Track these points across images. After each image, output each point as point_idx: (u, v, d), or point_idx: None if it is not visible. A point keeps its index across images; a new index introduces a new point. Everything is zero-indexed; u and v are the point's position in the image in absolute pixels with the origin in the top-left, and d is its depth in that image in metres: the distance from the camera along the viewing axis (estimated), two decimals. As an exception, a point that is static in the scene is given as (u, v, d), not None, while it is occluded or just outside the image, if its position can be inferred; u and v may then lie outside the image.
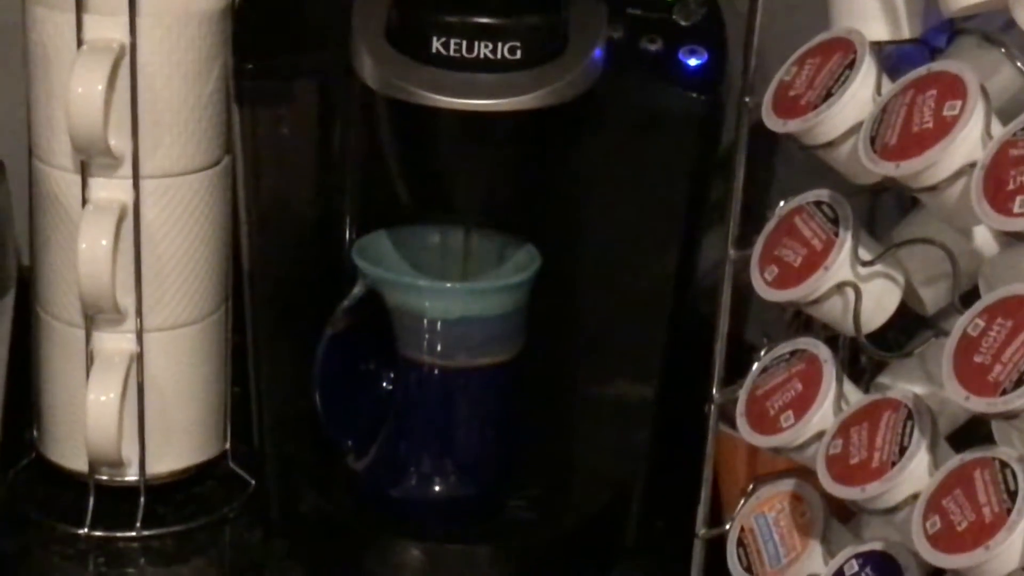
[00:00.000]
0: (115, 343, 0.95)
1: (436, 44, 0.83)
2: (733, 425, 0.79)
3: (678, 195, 0.92)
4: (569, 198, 0.93)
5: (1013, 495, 0.65)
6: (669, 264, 0.93)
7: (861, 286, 0.74)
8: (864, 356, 0.81)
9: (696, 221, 0.93)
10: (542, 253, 0.93)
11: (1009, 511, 0.65)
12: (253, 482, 1.01)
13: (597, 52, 0.87)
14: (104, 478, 0.97)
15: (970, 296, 0.71)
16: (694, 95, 0.89)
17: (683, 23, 0.83)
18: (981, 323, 0.67)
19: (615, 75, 0.89)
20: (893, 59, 0.76)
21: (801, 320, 0.86)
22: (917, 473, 0.70)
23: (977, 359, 0.66)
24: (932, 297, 0.77)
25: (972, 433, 0.74)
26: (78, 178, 0.93)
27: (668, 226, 0.92)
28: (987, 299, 0.67)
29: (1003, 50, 0.73)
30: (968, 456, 0.68)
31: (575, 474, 0.98)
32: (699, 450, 0.85)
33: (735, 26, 0.87)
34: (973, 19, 0.74)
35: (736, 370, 0.82)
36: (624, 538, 0.97)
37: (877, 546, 0.74)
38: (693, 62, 0.90)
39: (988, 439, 0.71)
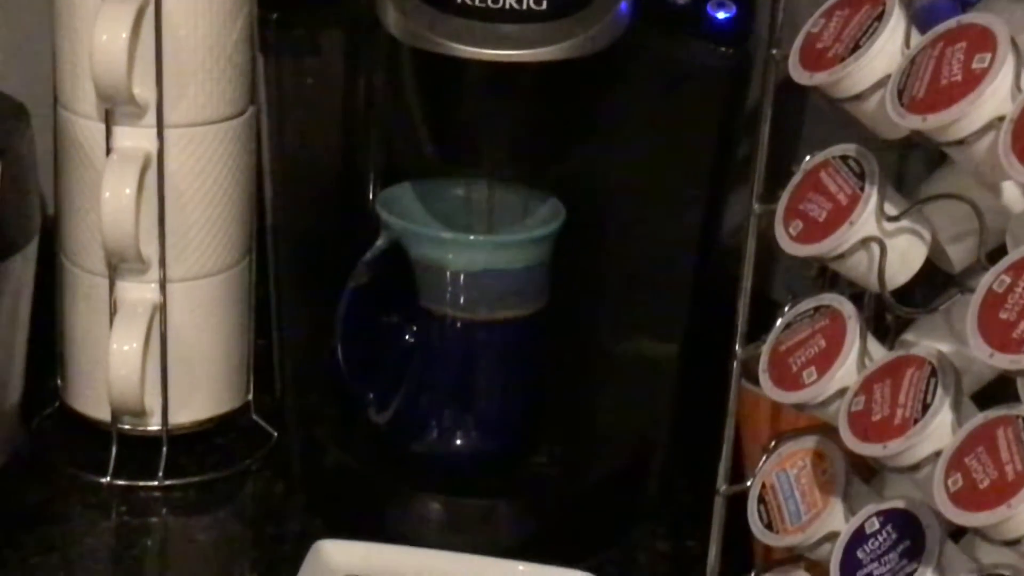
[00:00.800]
0: (138, 292, 0.95)
1: (462, -6, 0.83)
2: (756, 382, 0.79)
3: (705, 150, 0.91)
4: (594, 152, 0.92)
5: (1036, 453, 0.65)
6: (695, 220, 0.92)
7: (886, 242, 0.73)
8: (889, 314, 0.80)
9: (722, 177, 0.93)
10: (567, 208, 0.93)
11: (1032, 469, 0.64)
12: (275, 434, 1.01)
13: (623, 5, 0.86)
14: (127, 427, 0.98)
15: (998, 253, 0.70)
16: (722, 49, 0.89)
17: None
18: (1007, 279, 0.66)
19: (642, 29, 0.88)
20: (924, 13, 0.75)
21: (827, 277, 0.85)
22: (940, 431, 0.69)
23: (1002, 316, 0.65)
24: (959, 254, 0.76)
25: (1000, 392, 0.73)
26: (102, 126, 0.93)
27: (694, 182, 0.92)
28: (1013, 256, 0.67)
29: (1035, 4, 0.72)
30: (991, 414, 0.68)
31: (598, 431, 0.98)
32: (723, 407, 0.84)
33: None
34: (1006, -28, 0.73)
35: (762, 327, 0.81)
36: (647, 495, 0.97)
37: (898, 504, 0.73)
38: (721, 15, 0.89)
39: (1015, 398, 0.70)
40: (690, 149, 0.91)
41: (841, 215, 0.73)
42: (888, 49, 0.71)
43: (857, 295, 0.79)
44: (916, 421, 0.70)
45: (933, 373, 0.71)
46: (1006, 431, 0.66)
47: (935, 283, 0.78)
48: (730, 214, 0.96)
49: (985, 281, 0.67)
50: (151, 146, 0.93)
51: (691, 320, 0.94)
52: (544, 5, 0.83)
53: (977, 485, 0.66)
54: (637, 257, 0.94)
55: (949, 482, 0.67)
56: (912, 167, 0.85)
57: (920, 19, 0.74)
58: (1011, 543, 0.66)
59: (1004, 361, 0.64)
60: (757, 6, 0.89)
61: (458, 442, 0.94)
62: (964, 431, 0.68)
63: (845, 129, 0.77)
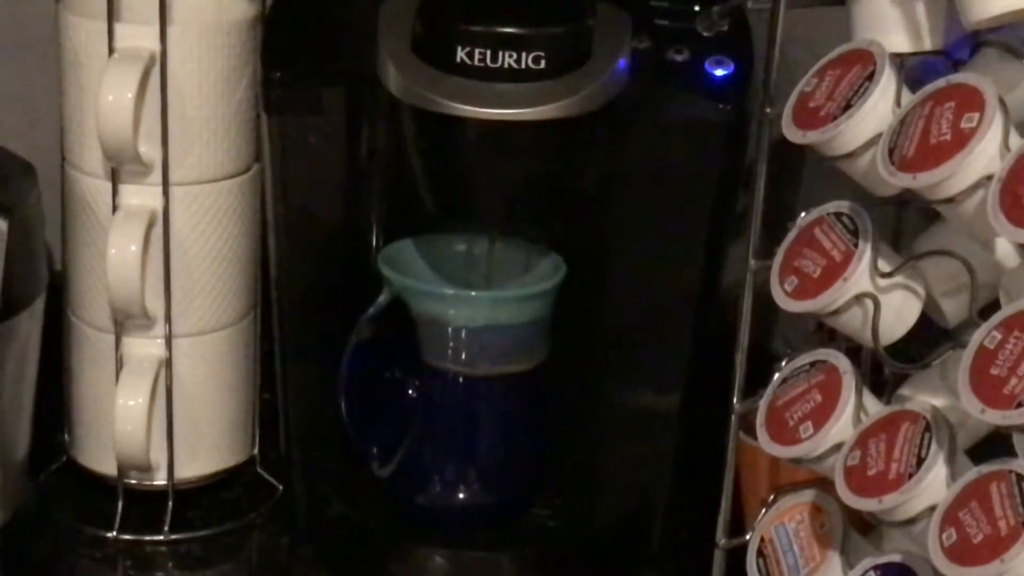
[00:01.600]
0: (144, 348, 0.96)
1: (460, 54, 0.84)
2: (755, 435, 0.80)
3: (703, 205, 0.92)
4: (594, 207, 0.93)
5: (1029, 508, 0.65)
6: (694, 274, 0.93)
7: (880, 297, 0.74)
8: (887, 369, 0.81)
9: (721, 231, 0.93)
10: (567, 262, 0.94)
11: (1024, 524, 0.65)
12: (280, 488, 1.02)
13: (621, 62, 0.87)
14: (133, 482, 0.98)
15: (993, 308, 0.71)
16: (720, 105, 0.89)
17: (705, 34, 0.83)
18: (998, 336, 0.67)
19: (641, 85, 0.89)
20: (916, 71, 0.75)
21: (825, 331, 0.86)
22: (934, 485, 0.70)
23: (993, 371, 0.66)
24: (953, 309, 0.77)
25: (995, 447, 0.73)
26: (108, 184, 0.94)
27: (693, 236, 0.92)
28: (1004, 312, 0.67)
29: (1024, 62, 0.72)
30: (985, 469, 0.68)
31: (599, 483, 0.98)
32: (722, 460, 0.85)
33: (762, 36, 0.87)
34: (997, 31, 0.74)
35: (761, 380, 0.82)
36: (648, 546, 0.97)
37: (896, 558, 0.74)
38: (719, 72, 0.90)
39: (1011, 453, 0.71)
40: (689, 204, 0.91)
41: (835, 271, 0.74)
42: (879, 108, 0.72)
43: (854, 350, 0.80)
44: (911, 476, 0.70)
45: (927, 428, 0.71)
46: (999, 486, 0.67)
47: (931, 338, 0.79)
48: (729, 268, 0.97)
49: (976, 337, 0.67)
50: (156, 203, 0.94)
51: (691, 372, 0.95)
52: (543, 64, 0.84)
53: (971, 540, 0.66)
54: (637, 311, 0.95)
55: (943, 537, 0.67)
56: (910, 222, 0.86)
57: (913, 76, 0.75)
58: (1005, 597, 0.66)
59: (996, 417, 0.65)
60: (755, 64, 0.90)
61: (461, 495, 0.94)
62: (958, 486, 0.68)
63: (844, 185, 0.78)
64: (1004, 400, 0.65)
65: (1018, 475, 0.66)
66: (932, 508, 0.69)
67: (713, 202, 0.92)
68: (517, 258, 0.95)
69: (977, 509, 0.67)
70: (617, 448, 0.97)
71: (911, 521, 0.71)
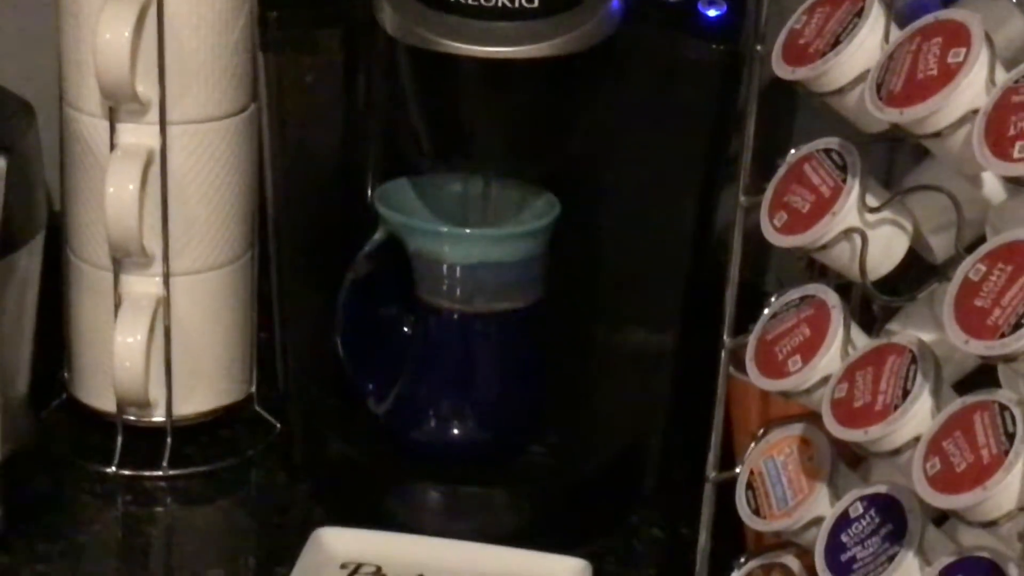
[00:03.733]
0: (142, 286, 0.97)
1: (455, -8, 0.85)
2: (745, 371, 0.80)
3: (697, 145, 0.93)
4: (588, 148, 0.94)
5: (1011, 437, 0.66)
6: (688, 214, 0.94)
7: (868, 232, 0.75)
8: (875, 305, 0.82)
9: (715, 171, 0.94)
10: (561, 202, 0.94)
11: (1007, 452, 0.66)
12: (278, 425, 1.03)
13: (615, 2, 0.88)
14: (132, 418, 1.00)
15: (979, 245, 0.71)
16: (713, 46, 0.90)
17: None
18: (983, 268, 0.67)
19: (635, 25, 0.90)
20: (907, 9, 0.76)
21: (816, 268, 0.86)
22: (919, 416, 0.71)
23: (977, 303, 0.67)
24: (941, 245, 0.77)
25: (982, 382, 0.74)
26: (106, 124, 0.95)
27: (687, 176, 0.93)
28: (988, 244, 0.68)
29: (1013, 0, 0.73)
30: (969, 399, 0.69)
31: (594, 421, 0.99)
32: (714, 397, 0.86)
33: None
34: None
35: (753, 319, 0.83)
36: (642, 483, 0.98)
37: (881, 489, 0.74)
38: (712, 13, 0.90)
39: (997, 386, 0.71)
40: (683, 144, 0.92)
41: (824, 207, 0.75)
42: (868, 45, 0.72)
43: (844, 286, 0.81)
44: (896, 407, 0.71)
45: (913, 360, 0.72)
46: (983, 416, 0.68)
47: (919, 274, 0.79)
48: (724, 209, 0.98)
49: (961, 269, 0.68)
50: (154, 142, 0.95)
51: (686, 312, 0.96)
52: (536, 3, 0.85)
53: (954, 468, 0.67)
54: (632, 250, 0.96)
55: (927, 466, 0.68)
56: (900, 162, 0.87)
57: (904, 14, 0.75)
58: (988, 524, 0.67)
59: (979, 347, 0.66)
60: (748, 4, 0.91)
61: (456, 431, 0.96)
62: (942, 416, 0.69)
63: (835, 127, 0.78)
64: (988, 331, 0.66)
65: (1001, 405, 0.67)
66: (917, 439, 0.70)
67: (707, 143, 0.93)
68: (512, 197, 0.96)
69: (961, 439, 0.68)
70: (612, 388, 0.98)
71: (897, 452, 0.71)
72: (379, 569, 0.90)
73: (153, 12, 0.92)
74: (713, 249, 0.97)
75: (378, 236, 0.94)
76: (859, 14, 0.73)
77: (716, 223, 0.97)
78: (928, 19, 0.71)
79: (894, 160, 0.87)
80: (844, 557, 0.74)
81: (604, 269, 0.98)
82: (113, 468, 0.98)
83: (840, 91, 0.73)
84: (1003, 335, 0.65)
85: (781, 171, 0.78)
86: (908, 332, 0.77)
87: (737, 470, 0.82)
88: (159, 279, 0.97)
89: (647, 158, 0.93)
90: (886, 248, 0.76)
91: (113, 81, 0.92)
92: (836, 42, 0.73)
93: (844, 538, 0.74)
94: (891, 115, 0.70)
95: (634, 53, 0.90)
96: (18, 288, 0.92)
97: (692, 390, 0.95)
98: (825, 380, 0.75)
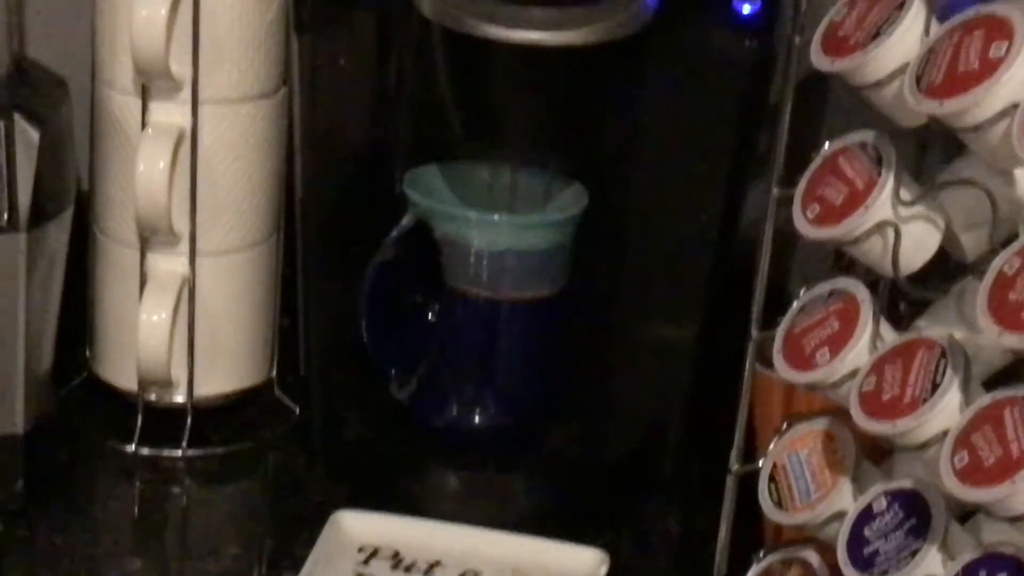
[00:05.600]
0: (168, 265, 0.97)
1: (493, -24, 0.85)
2: (770, 366, 0.80)
3: (727, 139, 0.93)
4: (618, 138, 0.94)
5: (1041, 432, 0.66)
6: (715, 207, 0.94)
7: (901, 226, 0.75)
8: (904, 302, 0.82)
9: (744, 166, 0.94)
10: (589, 192, 0.95)
11: (1037, 447, 0.66)
12: (297, 410, 1.03)
13: (652, -8, 0.88)
14: (153, 398, 1.00)
15: (1010, 243, 0.72)
16: (747, 40, 0.90)
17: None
18: (1017, 262, 0.68)
19: (669, 17, 0.90)
20: (948, 3, 0.76)
21: (842, 266, 0.87)
22: (948, 410, 0.71)
23: (1012, 297, 0.67)
24: (972, 243, 0.77)
25: (1008, 382, 0.74)
26: (138, 102, 0.95)
27: (715, 169, 0.93)
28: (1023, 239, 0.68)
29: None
30: (999, 394, 0.69)
31: (615, 410, 1.00)
32: (737, 390, 0.86)
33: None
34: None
35: (776, 318, 0.83)
36: (661, 474, 0.99)
37: (906, 484, 0.75)
38: (747, 8, 0.91)
39: (1024, 383, 0.71)
40: (712, 137, 0.93)
41: (857, 199, 0.75)
42: (908, 37, 0.72)
43: (872, 283, 0.81)
44: (925, 400, 0.71)
45: (943, 355, 0.72)
46: (1012, 411, 0.68)
47: (948, 273, 0.80)
48: (750, 204, 0.98)
49: (996, 263, 0.68)
50: (185, 122, 0.95)
51: (709, 305, 0.96)
52: (572, -10, 0.86)
53: (983, 462, 0.67)
54: (657, 243, 0.96)
55: (955, 459, 0.68)
56: (931, 162, 0.87)
57: (944, 8, 0.75)
58: (1015, 519, 0.67)
59: (1013, 340, 0.66)
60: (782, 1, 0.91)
61: (477, 418, 0.96)
62: (971, 410, 0.69)
63: (867, 123, 0.78)
64: (1022, 324, 0.66)
65: (1031, 400, 0.67)
66: (945, 433, 0.70)
67: (736, 138, 0.93)
68: (540, 187, 0.96)
69: (990, 432, 0.68)
70: (633, 377, 0.98)
71: (924, 446, 0.71)
72: (396, 553, 0.90)
73: (189, -9, 0.93)
74: (739, 245, 0.97)
75: (406, 221, 0.94)
76: (900, 7, 0.73)
77: (743, 219, 0.97)
78: (969, 13, 0.71)
79: (924, 161, 0.87)
80: (867, 551, 0.74)
81: (629, 260, 0.98)
82: (133, 447, 0.99)
83: (878, 84, 0.73)
84: (1038, 329, 0.65)
85: (815, 163, 0.78)
86: (938, 328, 0.77)
87: (759, 463, 0.82)
88: (185, 258, 0.97)
89: (675, 151, 0.94)
90: (918, 243, 0.76)
91: (148, 58, 0.92)
92: (876, 34, 0.73)
93: (867, 532, 0.74)
94: (930, 107, 0.70)
95: (667, 44, 0.90)
96: (47, 262, 0.92)
97: (711, 384, 0.95)
98: (853, 374, 0.75)
